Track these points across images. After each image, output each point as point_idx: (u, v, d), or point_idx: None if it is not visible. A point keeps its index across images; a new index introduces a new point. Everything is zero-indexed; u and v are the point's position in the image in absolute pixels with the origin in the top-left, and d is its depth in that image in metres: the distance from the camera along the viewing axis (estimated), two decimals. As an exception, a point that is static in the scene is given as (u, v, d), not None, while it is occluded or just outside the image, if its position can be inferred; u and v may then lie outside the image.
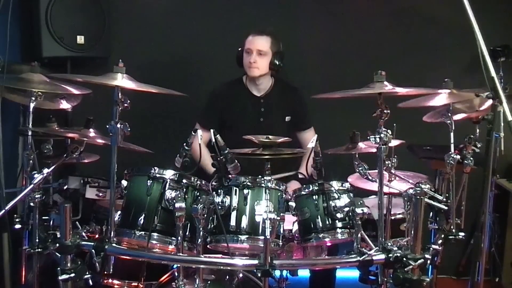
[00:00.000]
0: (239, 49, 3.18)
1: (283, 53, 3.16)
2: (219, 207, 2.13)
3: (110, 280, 2.51)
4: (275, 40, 3.13)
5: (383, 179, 2.08)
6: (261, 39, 3.11)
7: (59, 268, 2.00)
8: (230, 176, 2.18)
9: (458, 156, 2.40)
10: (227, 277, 2.43)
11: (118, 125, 2.03)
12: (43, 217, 2.48)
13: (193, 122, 3.24)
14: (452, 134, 2.41)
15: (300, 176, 2.67)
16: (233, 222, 2.14)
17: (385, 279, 2.08)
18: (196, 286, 2.16)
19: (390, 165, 2.24)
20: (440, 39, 3.66)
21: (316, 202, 2.22)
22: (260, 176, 2.20)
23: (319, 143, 2.23)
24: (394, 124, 2.16)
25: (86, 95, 2.57)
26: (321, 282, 2.91)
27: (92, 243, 2.04)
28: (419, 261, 1.94)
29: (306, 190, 2.25)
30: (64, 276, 1.97)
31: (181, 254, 2.06)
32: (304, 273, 2.71)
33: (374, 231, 2.26)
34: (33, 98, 2.43)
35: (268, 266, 1.93)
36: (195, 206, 2.03)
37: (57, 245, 2.02)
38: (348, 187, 2.26)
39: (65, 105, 2.72)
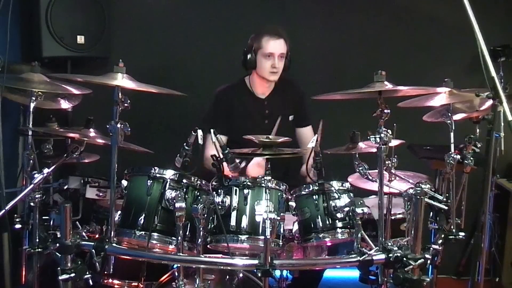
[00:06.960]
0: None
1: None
2: (219, 207, 2.13)
3: (110, 280, 2.51)
4: (287, 40, 3.03)
5: (383, 179, 2.08)
6: (280, 43, 2.99)
7: (59, 268, 1.99)
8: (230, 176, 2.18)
9: (458, 156, 2.40)
10: (227, 277, 2.43)
11: (118, 125, 2.03)
12: (43, 217, 2.48)
13: (193, 122, 3.22)
14: (452, 134, 2.41)
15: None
16: (233, 222, 2.13)
17: (385, 279, 2.08)
18: (196, 286, 2.16)
19: (390, 165, 2.24)
20: (440, 39, 3.66)
21: (316, 202, 2.22)
22: (260, 176, 2.20)
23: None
24: (394, 124, 2.16)
25: (86, 95, 2.57)
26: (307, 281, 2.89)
27: (92, 243, 2.03)
28: (419, 261, 1.94)
29: (306, 190, 2.25)
30: (64, 276, 1.97)
31: (181, 254, 2.06)
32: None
33: (374, 231, 2.25)
34: (33, 98, 2.43)
35: (268, 266, 1.92)
36: (195, 206, 2.03)
37: (57, 245, 2.02)
38: (348, 187, 2.26)
39: (65, 105, 2.73)
